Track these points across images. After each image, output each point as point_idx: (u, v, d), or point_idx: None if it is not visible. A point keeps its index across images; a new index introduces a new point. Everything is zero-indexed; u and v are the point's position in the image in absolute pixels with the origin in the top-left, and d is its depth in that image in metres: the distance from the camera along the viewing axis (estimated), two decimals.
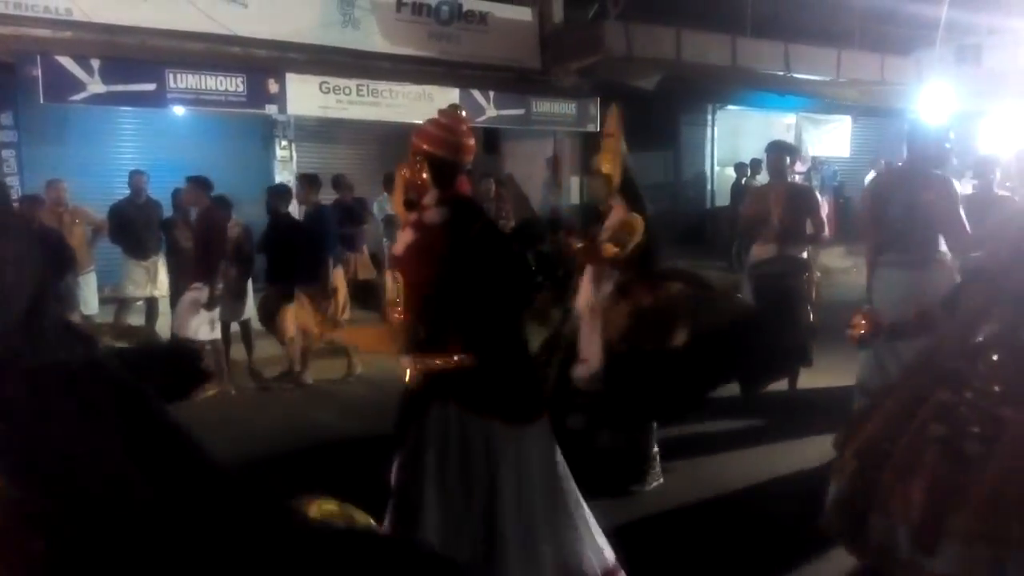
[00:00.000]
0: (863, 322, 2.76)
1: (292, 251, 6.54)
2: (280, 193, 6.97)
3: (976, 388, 2.46)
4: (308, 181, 7.08)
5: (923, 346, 2.83)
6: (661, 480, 4.28)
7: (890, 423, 2.65)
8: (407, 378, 2.58)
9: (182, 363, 2.51)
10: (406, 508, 2.45)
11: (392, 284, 2.70)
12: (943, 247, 4.32)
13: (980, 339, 2.53)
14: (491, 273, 2.54)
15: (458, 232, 2.51)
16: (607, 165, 4.34)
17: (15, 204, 6.41)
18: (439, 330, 2.51)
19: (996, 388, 2.44)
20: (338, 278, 6.89)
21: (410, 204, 2.64)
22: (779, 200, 5.59)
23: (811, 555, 3.33)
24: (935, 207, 4.23)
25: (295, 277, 6.57)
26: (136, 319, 7.68)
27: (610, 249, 4.02)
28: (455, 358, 2.47)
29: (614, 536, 2.89)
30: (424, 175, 2.58)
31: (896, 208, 4.34)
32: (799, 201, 5.65)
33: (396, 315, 2.61)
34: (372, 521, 1.85)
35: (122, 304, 7.56)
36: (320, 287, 6.61)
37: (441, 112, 2.67)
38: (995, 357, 2.47)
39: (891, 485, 2.51)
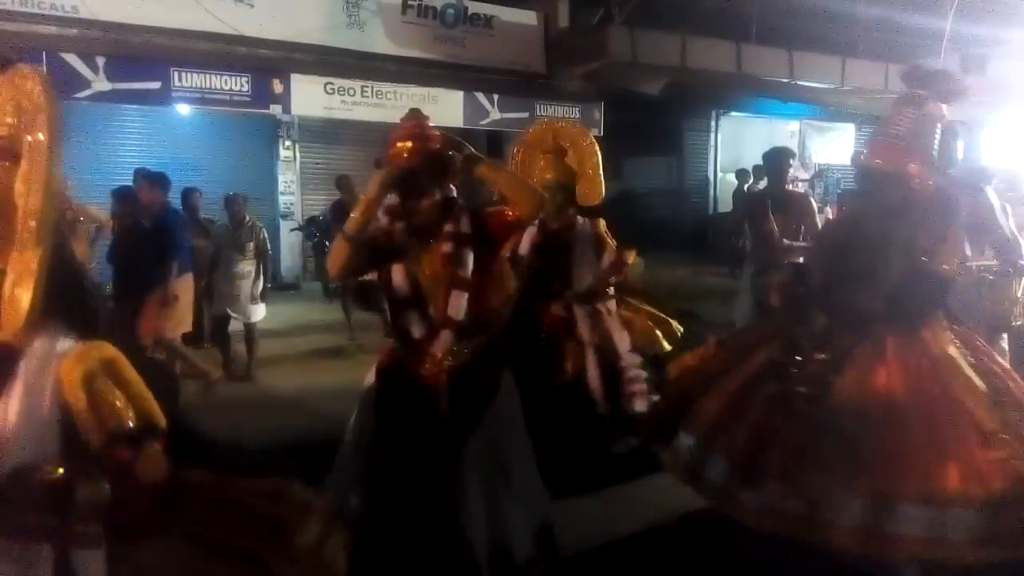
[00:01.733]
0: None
1: (138, 261, 5.83)
2: (123, 197, 6.22)
3: (805, 355, 2.91)
4: (151, 179, 6.25)
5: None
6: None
7: (715, 360, 3.20)
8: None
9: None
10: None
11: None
12: None
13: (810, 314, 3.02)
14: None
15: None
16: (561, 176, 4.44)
17: None
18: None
19: (821, 355, 2.89)
20: (182, 286, 6.10)
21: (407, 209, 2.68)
22: (775, 207, 5.64)
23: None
24: None
25: (143, 289, 5.78)
26: None
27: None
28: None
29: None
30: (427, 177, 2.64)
31: None
32: (795, 208, 5.68)
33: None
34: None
35: None
36: (159, 295, 5.80)
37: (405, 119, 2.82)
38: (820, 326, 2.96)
39: (716, 418, 2.98)
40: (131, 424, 1.67)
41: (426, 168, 2.60)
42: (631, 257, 4.35)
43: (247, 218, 6.95)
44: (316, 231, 10.06)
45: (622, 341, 4.19)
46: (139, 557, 1.68)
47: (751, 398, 2.97)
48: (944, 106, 3.06)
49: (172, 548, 1.72)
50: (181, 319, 6.15)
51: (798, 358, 2.90)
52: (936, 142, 3.03)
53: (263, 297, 7.00)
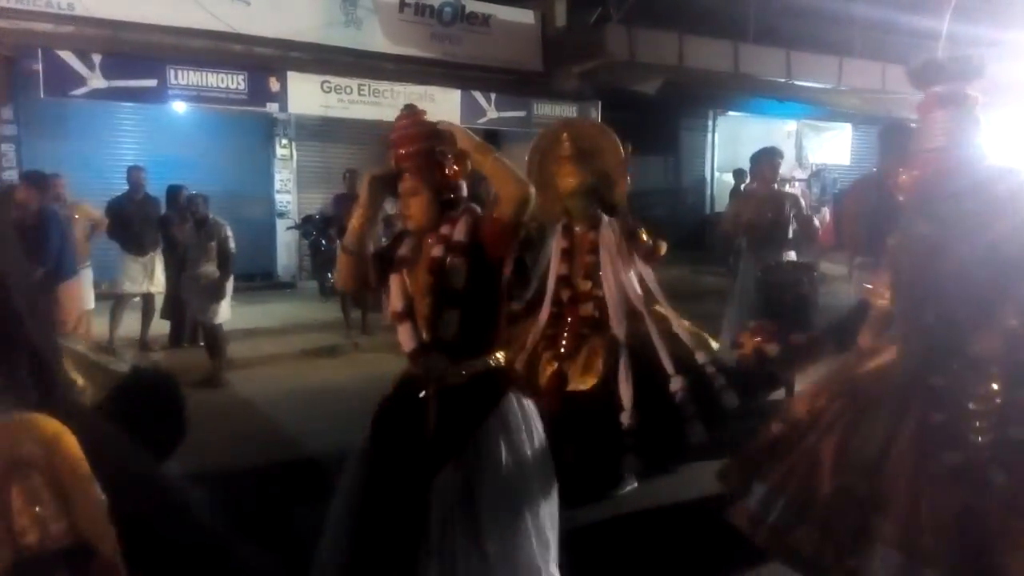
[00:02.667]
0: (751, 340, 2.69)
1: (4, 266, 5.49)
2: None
3: (974, 408, 2.25)
4: (29, 180, 5.81)
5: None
6: (635, 484, 4.19)
7: (846, 446, 2.41)
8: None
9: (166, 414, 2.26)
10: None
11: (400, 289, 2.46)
12: None
13: (965, 354, 2.30)
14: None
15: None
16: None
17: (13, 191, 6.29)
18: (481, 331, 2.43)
19: (997, 403, 2.23)
20: (67, 292, 5.76)
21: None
22: (765, 206, 5.74)
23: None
24: None
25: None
26: (132, 315, 7.67)
27: None
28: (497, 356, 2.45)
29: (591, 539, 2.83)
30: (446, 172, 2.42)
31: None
32: (784, 206, 5.75)
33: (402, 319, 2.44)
34: None
35: (118, 300, 7.54)
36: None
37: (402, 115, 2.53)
38: (992, 372, 2.25)
39: (901, 519, 2.22)
40: (54, 543, 1.22)
41: (412, 167, 2.36)
42: (662, 248, 4.20)
43: (209, 217, 6.72)
44: (312, 229, 10.06)
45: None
46: None
47: (932, 483, 2.25)
48: (976, 91, 2.54)
49: None
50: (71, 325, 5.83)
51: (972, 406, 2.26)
52: (979, 131, 2.53)
53: (221, 294, 6.64)
